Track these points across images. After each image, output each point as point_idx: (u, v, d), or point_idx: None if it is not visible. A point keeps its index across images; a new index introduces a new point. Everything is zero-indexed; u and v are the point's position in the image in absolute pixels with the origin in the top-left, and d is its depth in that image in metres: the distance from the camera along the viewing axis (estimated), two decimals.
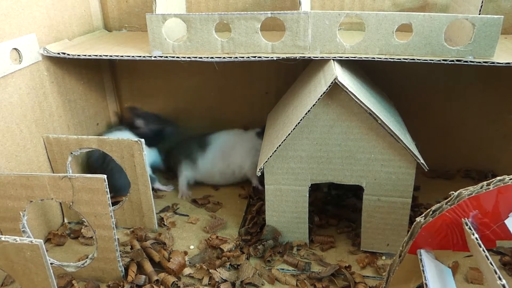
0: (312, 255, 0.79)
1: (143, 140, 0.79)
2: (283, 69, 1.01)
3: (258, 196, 0.96)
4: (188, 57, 0.76)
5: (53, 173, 0.85)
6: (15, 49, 0.74)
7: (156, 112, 1.06)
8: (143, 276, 0.72)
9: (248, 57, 0.75)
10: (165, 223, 0.88)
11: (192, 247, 0.82)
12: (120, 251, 0.72)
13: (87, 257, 0.73)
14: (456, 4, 0.85)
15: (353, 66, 0.80)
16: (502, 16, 0.67)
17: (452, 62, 0.70)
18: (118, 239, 0.72)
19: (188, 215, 0.92)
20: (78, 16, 0.93)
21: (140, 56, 0.78)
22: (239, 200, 0.97)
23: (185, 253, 0.79)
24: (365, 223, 0.77)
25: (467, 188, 0.51)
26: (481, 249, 0.46)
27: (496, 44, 0.69)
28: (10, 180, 0.68)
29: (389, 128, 0.68)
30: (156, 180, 1.01)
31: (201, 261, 0.77)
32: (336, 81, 0.65)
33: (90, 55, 0.79)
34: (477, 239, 0.47)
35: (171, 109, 1.11)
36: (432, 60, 0.70)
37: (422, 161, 0.70)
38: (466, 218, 0.50)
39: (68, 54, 0.80)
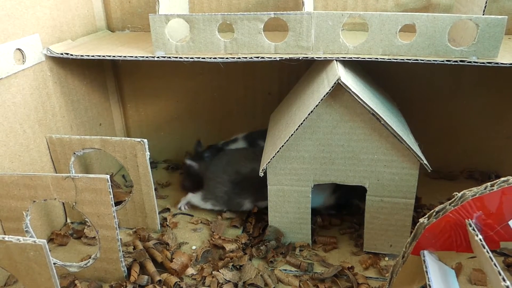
0: (315, 256, 0.78)
1: (145, 140, 0.79)
2: (286, 70, 1.01)
3: None
4: (191, 58, 0.76)
5: (56, 173, 0.85)
6: (18, 49, 0.74)
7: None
8: (146, 277, 0.72)
9: (251, 58, 0.75)
10: (168, 224, 0.88)
11: (194, 247, 0.82)
12: (122, 251, 0.72)
13: (90, 257, 0.73)
14: (460, 4, 0.85)
15: (356, 66, 0.80)
16: (506, 17, 0.67)
17: (456, 63, 0.69)
18: (120, 239, 0.72)
19: (192, 215, 0.92)
20: (81, 17, 0.93)
21: (143, 57, 0.78)
22: None
23: (188, 253, 0.79)
24: (368, 224, 0.77)
25: (470, 189, 0.51)
26: (485, 250, 0.45)
27: (500, 45, 0.69)
28: (13, 180, 0.68)
29: (392, 129, 0.67)
30: None
31: (204, 262, 0.77)
32: (339, 81, 0.65)
33: (93, 56, 0.80)
34: (481, 240, 0.47)
35: (173, 110, 1.11)
36: (436, 60, 0.70)
37: (425, 162, 0.70)
38: (469, 219, 0.50)
39: (71, 55, 0.80)
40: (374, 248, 0.78)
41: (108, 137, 0.80)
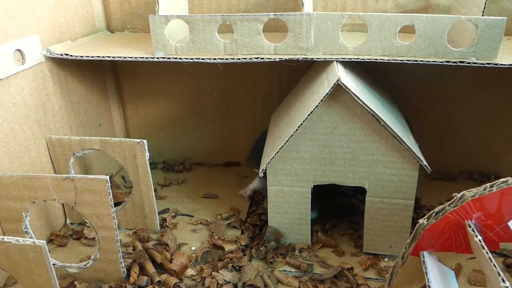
0: (315, 256, 0.78)
1: (145, 141, 0.79)
2: (285, 71, 1.01)
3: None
4: (190, 59, 0.76)
5: (56, 174, 0.85)
6: (18, 50, 0.74)
7: None
8: (145, 277, 0.72)
9: (251, 59, 0.75)
10: (168, 224, 0.88)
11: (194, 248, 0.82)
12: (122, 252, 0.72)
13: (89, 258, 0.73)
14: (459, 5, 0.85)
15: (356, 67, 0.80)
16: (505, 18, 0.67)
17: (455, 64, 0.69)
18: (120, 240, 0.72)
19: (192, 216, 0.92)
20: (80, 18, 0.93)
21: (142, 58, 0.78)
22: (242, 201, 0.97)
23: (187, 254, 0.79)
24: (368, 225, 0.77)
25: (470, 189, 0.51)
26: (484, 251, 0.45)
27: (499, 46, 0.69)
28: (13, 181, 0.68)
29: (392, 130, 0.67)
30: None
31: (204, 262, 0.77)
32: (339, 82, 0.65)
33: (92, 56, 0.80)
34: (480, 241, 0.47)
35: (173, 111, 1.11)
36: (435, 61, 0.70)
37: (425, 163, 0.70)
38: (469, 220, 0.50)
39: (71, 55, 0.80)
40: (374, 249, 0.78)
41: (108, 138, 0.80)
